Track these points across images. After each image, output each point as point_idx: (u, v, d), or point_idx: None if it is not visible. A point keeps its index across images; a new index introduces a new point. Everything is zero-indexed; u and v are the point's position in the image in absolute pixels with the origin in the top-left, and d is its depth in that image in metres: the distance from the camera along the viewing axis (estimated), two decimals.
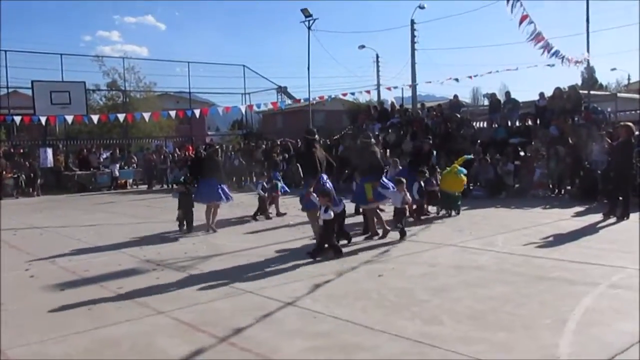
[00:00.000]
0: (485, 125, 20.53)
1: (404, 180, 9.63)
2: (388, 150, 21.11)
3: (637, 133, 11.95)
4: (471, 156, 13.06)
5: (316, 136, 9.31)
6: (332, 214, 8.05)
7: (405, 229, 9.41)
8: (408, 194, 9.60)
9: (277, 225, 11.63)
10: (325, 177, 8.97)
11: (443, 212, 11.92)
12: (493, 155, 16.74)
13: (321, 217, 8.18)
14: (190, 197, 11.16)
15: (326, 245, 8.10)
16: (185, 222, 11.17)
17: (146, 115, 25.50)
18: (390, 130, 21.66)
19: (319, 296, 6.05)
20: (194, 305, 5.88)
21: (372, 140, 9.80)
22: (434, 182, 11.89)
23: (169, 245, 9.71)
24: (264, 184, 13.29)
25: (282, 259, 8.12)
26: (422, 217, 11.33)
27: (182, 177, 12.27)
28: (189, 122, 35.22)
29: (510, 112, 19.66)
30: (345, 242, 8.84)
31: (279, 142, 26.23)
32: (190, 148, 28.09)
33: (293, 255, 8.34)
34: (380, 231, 9.49)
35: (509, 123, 19.12)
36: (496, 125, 19.39)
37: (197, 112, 23.95)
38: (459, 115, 20.37)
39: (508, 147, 17.42)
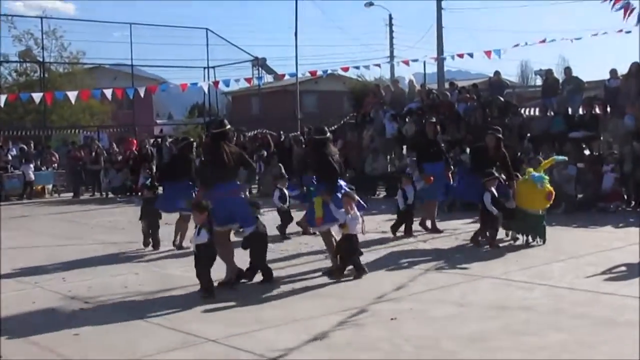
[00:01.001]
0: (537, 112, 20.72)
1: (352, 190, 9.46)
2: (405, 147, 21.29)
3: None
4: (564, 158, 12.75)
5: (329, 134, 9.75)
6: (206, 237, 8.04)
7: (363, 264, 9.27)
8: (360, 218, 9.18)
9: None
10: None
11: (520, 237, 11.41)
12: (548, 154, 16.90)
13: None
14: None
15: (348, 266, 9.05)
16: (151, 238, 11.73)
17: (72, 96, 25.45)
18: (407, 119, 21.82)
19: (309, 347, 6.10)
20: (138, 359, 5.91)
21: (328, 135, 9.81)
22: (511, 193, 11.39)
23: (103, 275, 9.70)
24: (284, 191, 13.15)
25: (258, 294, 8.17)
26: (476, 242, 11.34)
27: (149, 180, 12.67)
28: (132, 107, 35.28)
29: (571, 95, 19.84)
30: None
31: (255, 135, 26.37)
32: (134, 142, 28.09)
33: (272, 289, 8.39)
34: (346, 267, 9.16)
35: (570, 110, 19.29)
36: (552, 114, 19.57)
37: (141, 90, 24.07)
38: (502, 99, 20.54)
39: (568, 143, 17.58)
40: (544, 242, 11.11)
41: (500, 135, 12.00)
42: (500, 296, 7.79)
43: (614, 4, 13.96)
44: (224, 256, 8.63)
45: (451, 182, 13.07)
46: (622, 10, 14.31)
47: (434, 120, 14.05)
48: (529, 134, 19.24)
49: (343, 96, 48.30)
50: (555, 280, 8.48)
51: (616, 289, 7.93)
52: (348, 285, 8.67)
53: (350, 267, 9.07)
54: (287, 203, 13.14)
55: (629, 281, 8.34)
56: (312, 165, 10.43)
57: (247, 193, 12.92)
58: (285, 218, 13.02)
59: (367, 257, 9.89)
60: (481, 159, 11.88)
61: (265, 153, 23.70)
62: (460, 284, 8.46)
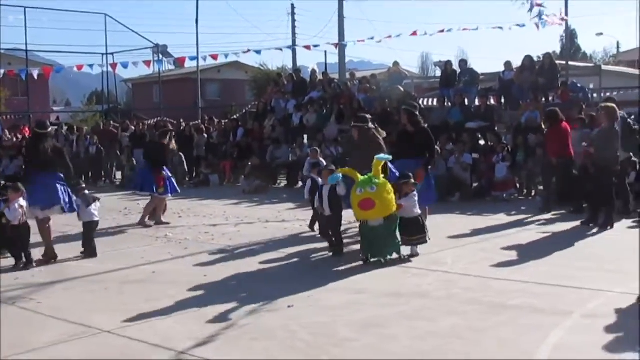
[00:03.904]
0: (435, 103, 21.11)
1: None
2: (306, 136, 21.35)
3: (623, 115, 12.58)
4: (388, 157, 9.76)
5: (50, 129, 10.65)
6: None
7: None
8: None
9: (155, 236, 11.55)
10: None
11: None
12: (444, 145, 17.25)
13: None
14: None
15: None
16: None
17: None
18: (309, 109, 21.90)
19: (203, 336, 6.07)
20: (27, 352, 5.78)
21: (49, 131, 10.54)
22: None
23: None
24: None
25: (155, 285, 8.10)
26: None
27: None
28: (27, 93, 34.04)
29: (467, 86, 20.34)
30: None
31: (156, 123, 25.87)
32: (27, 129, 27.17)
33: (169, 280, 8.33)
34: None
35: (466, 101, 19.74)
36: (449, 105, 19.99)
37: (35, 72, 23.19)
38: (401, 89, 20.81)
39: (464, 134, 17.99)
40: (399, 257, 9.20)
41: (416, 112, 10.99)
42: (394, 283, 7.93)
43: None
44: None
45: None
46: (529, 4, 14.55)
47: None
48: (426, 124, 19.55)
49: (245, 85, 48.18)
50: (448, 267, 8.70)
51: (507, 274, 8.19)
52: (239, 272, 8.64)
53: None
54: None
55: (520, 266, 8.65)
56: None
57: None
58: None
59: (266, 246, 9.88)
60: (403, 141, 10.92)
61: (149, 141, 23.30)
62: (353, 271, 8.58)
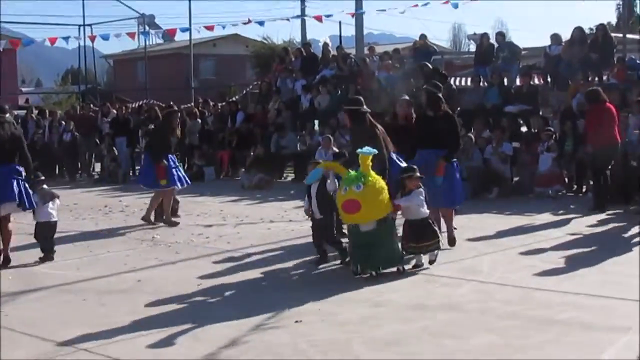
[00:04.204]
0: (469, 83, 21.02)
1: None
2: (316, 122, 21.31)
3: None
4: (373, 150, 9.09)
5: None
6: None
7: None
8: None
9: (141, 239, 11.61)
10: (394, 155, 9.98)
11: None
12: (480, 132, 17.18)
13: None
14: None
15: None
16: None
17: None
18: (321, 89, 21.84)
19: (198, 355, 6.08)
20: None
21: None
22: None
23: None
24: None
25: (140, 295, 8.11)
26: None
27: None
28: None
29: (506, 63, 20.24)
30: None
31: (140, 106, 25.98)
32: None
33: (157, 289, 8.35)
34: None
35: (505, 81, 19.64)
36: (485, 85, 19.90)
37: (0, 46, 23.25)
38: (430, 66, 20.73)
39: (503, 119, 17.91)
40: (375, 273, 8.76)
41: (438, 93, 10.69)
42: (420, 294, 7.90)
43: None
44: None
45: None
46: None
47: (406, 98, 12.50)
48: (458, 108, 19.51)
49: (246, 61, 47.93)
50: (484, 276, 8.66)
51: (553, 284, 8.15)
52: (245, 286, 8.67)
53: None
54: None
55: (568, 275, 8.59)
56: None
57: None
58: None
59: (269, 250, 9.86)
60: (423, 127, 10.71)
61: (153, 127, 23.28)
62: (375, 283, 8.47)
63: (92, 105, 27.80)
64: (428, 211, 9.16)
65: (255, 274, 9.13)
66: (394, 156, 9.98)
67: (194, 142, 22.41)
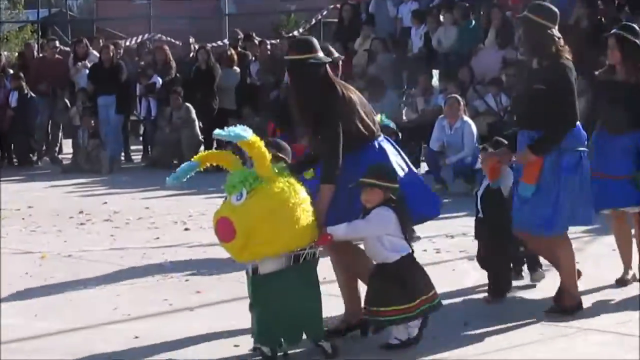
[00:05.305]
0: None
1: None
2: (436, 73, 16.77)
3: None
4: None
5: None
6: None
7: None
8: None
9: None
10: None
11: None
12: None
13: None
14: None
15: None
16: None
17: None
18: (442, 17, 16.52)
19: None
20: None
21: None
22: None
23: None
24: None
25: None
26: None
27: None
28: None
29: None
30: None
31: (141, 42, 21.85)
32: None
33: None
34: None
35: None
36: None
37: None
38: None
39: None
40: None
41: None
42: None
43: None
44: None
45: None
46: None
47: None
48: None
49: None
50: None
51: None
52: None
53: None
54: None
55: None
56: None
57: None
58: None
59: None
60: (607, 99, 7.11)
61: (160, 82, 17.39)
62: (554, 339, 6.42)
63: (58, 43, 20.16)
64: (397, 255, 5.63)
65: None
66: (388, 146, 6.06)
67: (229, 105, 16.97)
